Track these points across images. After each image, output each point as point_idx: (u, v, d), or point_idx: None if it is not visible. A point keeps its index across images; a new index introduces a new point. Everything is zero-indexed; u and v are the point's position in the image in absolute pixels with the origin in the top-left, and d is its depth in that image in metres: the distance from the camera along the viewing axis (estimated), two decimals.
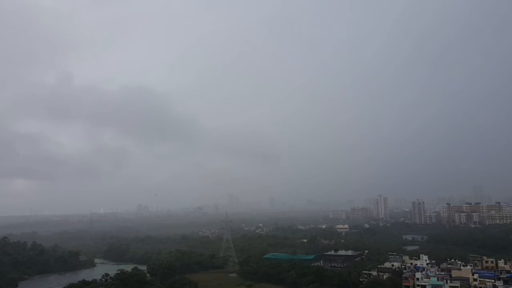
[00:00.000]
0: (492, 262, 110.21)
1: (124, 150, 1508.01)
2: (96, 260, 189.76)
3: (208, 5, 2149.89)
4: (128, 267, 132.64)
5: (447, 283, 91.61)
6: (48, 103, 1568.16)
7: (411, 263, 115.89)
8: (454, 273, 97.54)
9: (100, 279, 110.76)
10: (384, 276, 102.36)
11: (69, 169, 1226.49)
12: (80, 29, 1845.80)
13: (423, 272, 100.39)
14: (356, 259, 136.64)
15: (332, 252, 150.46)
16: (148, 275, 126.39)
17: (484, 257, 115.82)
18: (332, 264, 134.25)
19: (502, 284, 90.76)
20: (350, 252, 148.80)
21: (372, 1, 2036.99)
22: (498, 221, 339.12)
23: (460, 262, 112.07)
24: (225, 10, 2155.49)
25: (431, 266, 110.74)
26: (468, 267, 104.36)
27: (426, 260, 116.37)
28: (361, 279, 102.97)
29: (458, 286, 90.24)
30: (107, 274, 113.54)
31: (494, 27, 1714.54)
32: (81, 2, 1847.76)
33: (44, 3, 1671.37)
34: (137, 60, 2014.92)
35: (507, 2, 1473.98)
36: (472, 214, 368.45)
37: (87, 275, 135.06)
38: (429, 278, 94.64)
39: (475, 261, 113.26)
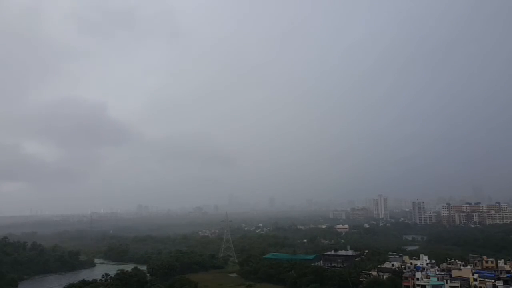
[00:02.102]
0: (492, 262, 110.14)
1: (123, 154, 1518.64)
2: (96, 260, 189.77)
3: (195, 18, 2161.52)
4: (128, 267, 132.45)
5: (447, 283, 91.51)
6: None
7: (411, 263, 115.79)
8: (454, 273, 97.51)
9: (100, 279, 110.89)
10: (384, 276, 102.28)
11: (66, 171, 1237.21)
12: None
13: (423, 272, 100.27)
14: (356, 259, 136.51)
15: (332, 252, 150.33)
16: (148, 275, 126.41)
17: (484, 257, 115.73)
18: (332, 264, 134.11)
19: (502, 284, 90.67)
20: (350, 252, 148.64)
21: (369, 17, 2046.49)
22: (498, 221, 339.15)
23: (460, 262, 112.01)
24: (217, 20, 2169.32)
25: (431, 266, 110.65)
26: (468, 267, 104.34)
27: (426, 260, 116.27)
28: (361, 279, 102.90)
29: (458, 286, 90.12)
30: (107, 274, 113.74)
31: (494, 29, 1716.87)
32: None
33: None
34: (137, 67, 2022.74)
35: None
36: (472, 214, 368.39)
37: (87, 275, 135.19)
38: (429, 278, 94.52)
39: (475, 261, 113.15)
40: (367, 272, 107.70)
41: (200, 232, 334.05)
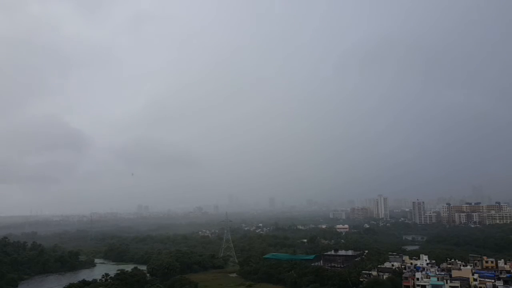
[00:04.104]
0: (492, 262, 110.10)
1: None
2: (96, 260, 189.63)
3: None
4: (128, 267, 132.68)
5: (447, 283, 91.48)
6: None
7: (411, 263, 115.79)
8: (454, 273, 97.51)
9: (100, 279, 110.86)
10: (384, 276, 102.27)
11: (66, 172, 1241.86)
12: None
13: (423, 272, 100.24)
14: (356, 259, 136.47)
15: (332, 252, 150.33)
16: (148, 275, 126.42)
17: (484, 257, 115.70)
18: (332, 264, 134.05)
19: (502, 284, 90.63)
20: (350, 252, 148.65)
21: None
22: (498, 221, 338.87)
23: (460, 262, 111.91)
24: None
25: (431, 266, 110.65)
26: (468, 267, 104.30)
27: (426, 260, 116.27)
28: (361, 279, 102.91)
29: (458, 286, 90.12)
30: (107, 274, 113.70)
31: (493, 30, 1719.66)
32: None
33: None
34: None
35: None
36: (472, 214, 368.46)
37: (87, 275, 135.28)
38: (429, 278, 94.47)
39: (475, 261, 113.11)
40: (367, 272, 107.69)
41: (200, 232, 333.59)
